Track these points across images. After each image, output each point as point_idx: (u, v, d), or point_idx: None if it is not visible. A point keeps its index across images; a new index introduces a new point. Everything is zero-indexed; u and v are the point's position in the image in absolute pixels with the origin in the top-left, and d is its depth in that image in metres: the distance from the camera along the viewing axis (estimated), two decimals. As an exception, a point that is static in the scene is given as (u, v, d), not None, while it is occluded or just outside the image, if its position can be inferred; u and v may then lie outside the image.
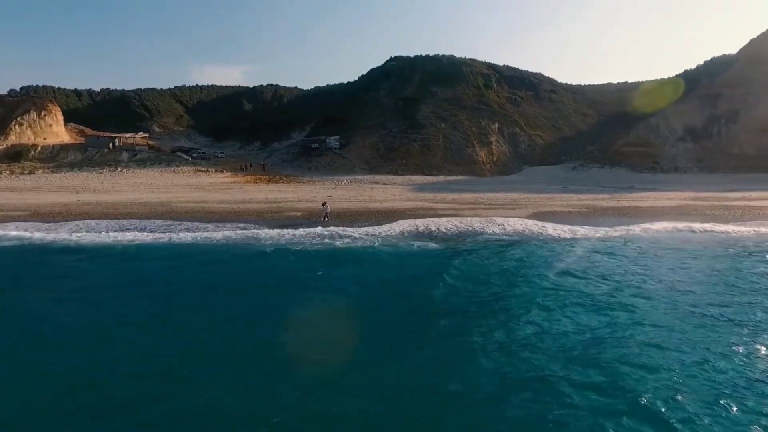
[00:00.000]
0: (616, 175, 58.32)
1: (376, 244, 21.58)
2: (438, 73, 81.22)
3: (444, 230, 24.94)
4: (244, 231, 23.92)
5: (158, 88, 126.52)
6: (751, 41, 75.71)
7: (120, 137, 69.56)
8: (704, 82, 72.19)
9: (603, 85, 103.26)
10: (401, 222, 27.07)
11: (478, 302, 13.71)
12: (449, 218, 28.52)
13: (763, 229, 24.82)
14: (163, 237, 22.62)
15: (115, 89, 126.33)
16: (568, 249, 20.57)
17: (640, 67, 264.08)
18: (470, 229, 25.20)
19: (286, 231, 23.81)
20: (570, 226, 25.62)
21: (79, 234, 22.86)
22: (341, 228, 25.18)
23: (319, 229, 24.38)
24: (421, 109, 72.05)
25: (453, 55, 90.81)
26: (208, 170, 60.83)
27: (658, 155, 63.90)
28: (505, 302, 13.72)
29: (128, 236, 22.41)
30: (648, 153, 63.97)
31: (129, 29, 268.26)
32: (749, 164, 56.91)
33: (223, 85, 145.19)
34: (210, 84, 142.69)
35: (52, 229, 23.98)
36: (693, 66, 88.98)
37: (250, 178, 56.74)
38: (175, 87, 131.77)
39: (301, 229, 24.26)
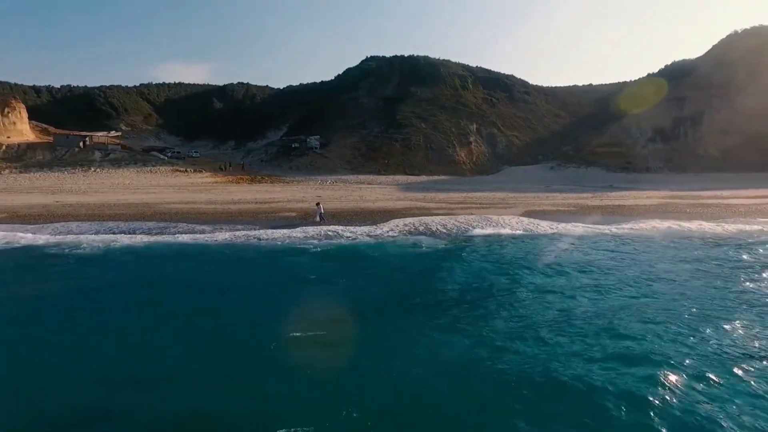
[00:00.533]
0: (592, 175, 60.27)
1: (383, 243, 21.51)
2: (416, 74, 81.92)
3: (446, 229, 24.96)
4: (246, 232, 23.27)
5: (123, 85, 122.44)
6: (713, 47, 79.76)
7: (91, 136, 66.83)
8: (670, 86, 75.46)
9: (572, 87, 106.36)
10: (399, 221, 26.97)
11: (496, 294, 13.90)
12: (445, 217, 28.66)
13: (746, 227, 26.19)
14: (161, 239, 21.87)
15: (77, 86, 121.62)
16: (571, 245, 21.07)
17: (606, 71, 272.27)
18: (470, 227, 25.40)
19: (287, 231, 23.29)
20: (565, 224, 26.26)
21: (70, 236, 21.83)
22: (341, 227, 24.79)
23: (322, 229, 24.03)
24: (402, 110, 72.47)
25: (428, 56, 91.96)
26: (186, 170, 59.24)
27: (630, 155, 66.41)
28: (522, 293, 13.98)
29: (125, 239, 21.52)
30: (621, 153, 66.42)
31: (85, 24, 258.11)
32: (714, 165, 59.93)
33: (191, 82, 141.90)
34: (177, 81, 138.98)
35: (38, 231, 22.87)
36: (655, 70, 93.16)
37: (231, 179, 55.63)
38: (141, 84, 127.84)
39: (299, 229, 23.77)
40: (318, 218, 26.73)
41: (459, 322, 11.58)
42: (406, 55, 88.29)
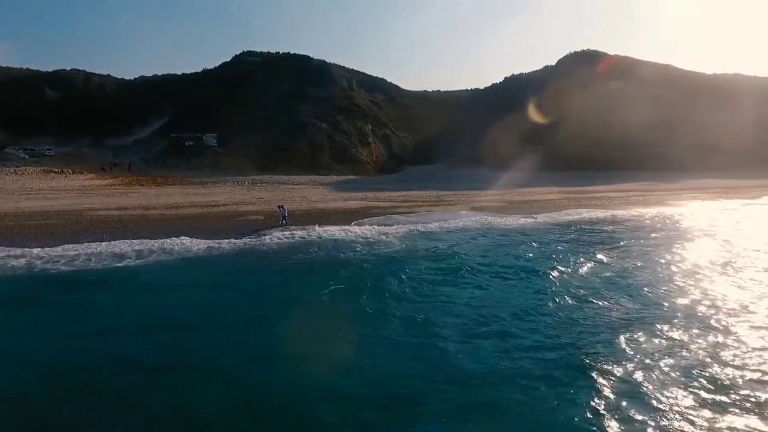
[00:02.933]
0: (483, 174, 67.09)
1: (394, 242, 21.86)
2: (308, 73, 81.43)
3: (436, 227, 26.02)
4: (240, 240, 21.26)
5: None
6: (562, 59, 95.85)
7: None
8: (529, 94, 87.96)
9: (446, 92, 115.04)
10: (373, 219, 27.81)
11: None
12: (413, 215, 30.01)
13: (644, 210, 33.58)
14: (159, 257, 18.81)
15: None
16: (546, 232, 24.39)
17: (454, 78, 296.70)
18: (460, 225, 26.88)
19: (278, 235, 22.01)
20: (516, 217, 29.59)
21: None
22: (325, 228, 23.64)
23: (315, 234, 22.70)
24: (301, 109, 71.78)
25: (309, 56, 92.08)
26: (62, 171, 50.41)
27: (507, 156, 75.64)
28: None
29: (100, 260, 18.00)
30: (497, 154, 75.36)
31: None
32: (576, 165, 71.93)
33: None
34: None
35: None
36: (501, 79, 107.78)
37: (127, 180, 49.28)
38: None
39: (280, 233, 22.46)
40: (283, 221, 25.56)
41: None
42: (299, 54, 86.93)
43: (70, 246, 18.89)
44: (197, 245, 19.90)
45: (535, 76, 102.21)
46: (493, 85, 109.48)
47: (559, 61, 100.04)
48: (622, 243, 21.64)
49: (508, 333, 10.59)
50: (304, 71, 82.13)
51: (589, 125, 78.02)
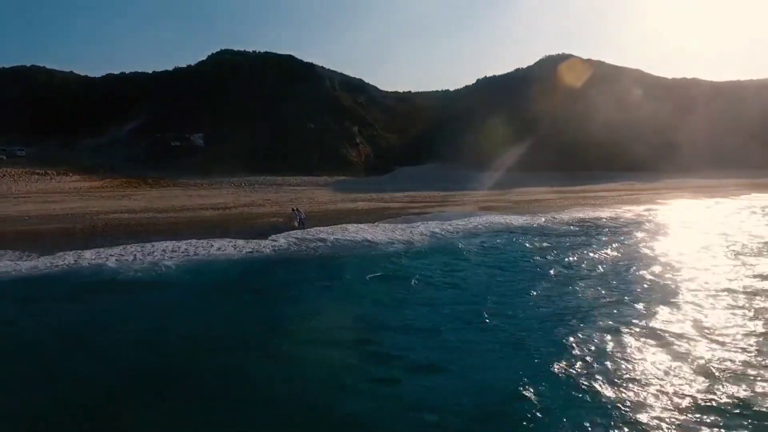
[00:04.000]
0: (473, 175, 67.72)
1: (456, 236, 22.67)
2: (293, 73, 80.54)
3: (462, 227, 26.57)
4: (282, 241, 21.17)
5: None
6: (538, 61, 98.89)
7: None
8: (506, 95, 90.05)
9: (426, 92, 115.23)
10: (396, 220, 28.03)
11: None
12: (428, 215, 30.48)
13: (643, 208, 35.21)
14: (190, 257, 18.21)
15: None
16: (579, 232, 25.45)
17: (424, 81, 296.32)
18: (484, 224, 27.47)
19: (320, 237, 21.93)
20: (528, 217, 30.60)
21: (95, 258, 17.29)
22: (358, 227, 24.26)
23: (349, 235, 22.66)
24: (288, 109, 70.95)
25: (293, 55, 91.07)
26: (47, 173, 48.11)
27: (494, 157, 77.09)
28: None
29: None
30: (485, 154, 76.73)
31: None
32: (560, 165, 74.01)
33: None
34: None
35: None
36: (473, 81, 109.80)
37: (117, 182, 47.58)
38: None
39: (320, 234, 22.51)
40: (297, 223, 24.97)
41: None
42: (281, 54, 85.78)
43: (118, 249, 18.42)
44: (239, 246, 19.82)
45: (508, 78, 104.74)
46: (467, 87, 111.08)
47: (536, 64, 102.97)
48: (658, 237, 22.83)
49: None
50: (288, 71, 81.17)
51: (567, 126, 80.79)
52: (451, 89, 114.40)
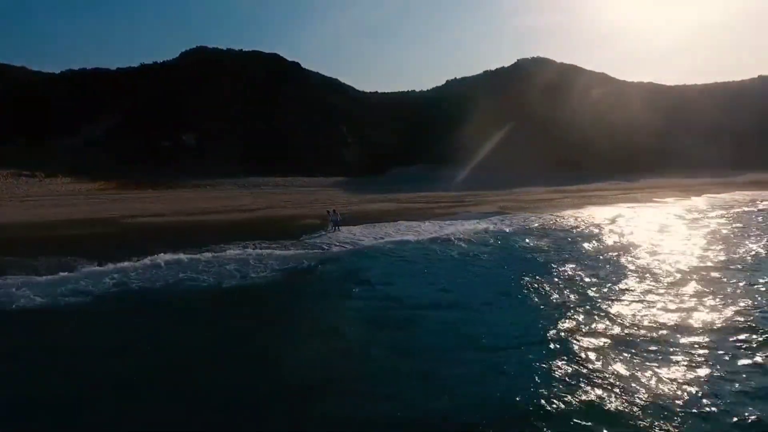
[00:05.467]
0: (466, 175, 68.61)
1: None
2: (280, 72, 79.00)
3: (497, 227, 27.09)
4: (372, 242, 21.17)
5: None
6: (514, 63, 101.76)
7: None
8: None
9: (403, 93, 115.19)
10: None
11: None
12: (457, 215, 30.90)
13: (648, 206, 36.74)
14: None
15: None
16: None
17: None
18: (521, 224, 28.27)
19: (388, 239, 21.89)
20: (548, 216, 31.54)
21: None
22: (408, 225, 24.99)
23: (412, 236, 22.37)
24: (279, 108, 69.67)
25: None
26: (35, 174, 45.28)
27: (477, 156, 78.49)
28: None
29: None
30: (471, 155, 78.01)
31: None
32: (550, 166, 76.33)
33: None
34: None
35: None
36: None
37: (115, 184, 45.45)
38: None
39: (393, 233, 23.00)
40: (332, 226, 24.32)
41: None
42: (265, 52, 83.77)
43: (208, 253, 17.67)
44: (307, 247, 19.69)
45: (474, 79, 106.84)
46: (449, 83, 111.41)
47: (512, 65, 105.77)
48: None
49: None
50: (273, 70, 79.49)
51: (549, 128, 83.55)
52: (425, 89, 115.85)
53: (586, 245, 20.58)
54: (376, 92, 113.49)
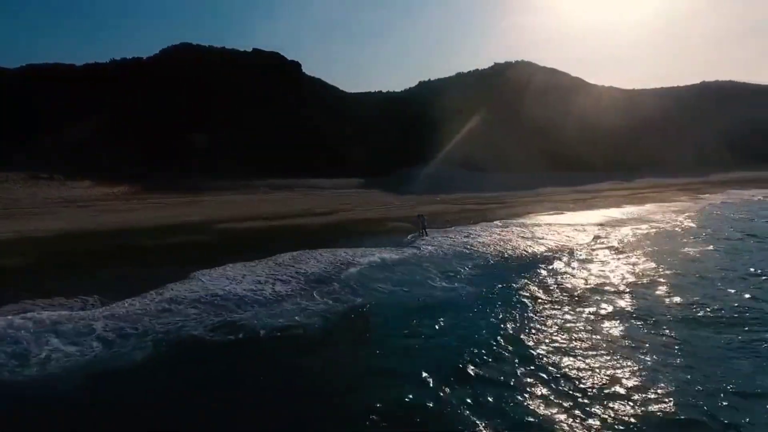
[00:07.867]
0: (478, 177, 68.05)
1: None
2: (280, 72, 76.68)
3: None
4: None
5: None
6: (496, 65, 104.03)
7: None
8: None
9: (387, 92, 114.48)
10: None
11: None
12: (528, 218, 31.30)
13: (672, 206, 38.31)
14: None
15: None
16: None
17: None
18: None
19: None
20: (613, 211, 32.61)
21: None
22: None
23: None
24: (284, 109, 67.76)
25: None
26: (53, 177, 41.80)
27: (474, 157, 78.93)
28: None
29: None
30: (470, 155, 78.59)
31: None
32: (554, 166, 78.58)
33: None
34: None
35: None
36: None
37: (138, 188, 42.77)
38: None
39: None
40: (422, 230, 24.85)
41: None
42: (266, 50, 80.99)
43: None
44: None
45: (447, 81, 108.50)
46: (440, 80, 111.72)
47: (496, 66, 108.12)
48: None
49: None
50: (270, 70, 76.97)
51: (542, 129, 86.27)
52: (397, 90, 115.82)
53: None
54: (378, 91, 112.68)
